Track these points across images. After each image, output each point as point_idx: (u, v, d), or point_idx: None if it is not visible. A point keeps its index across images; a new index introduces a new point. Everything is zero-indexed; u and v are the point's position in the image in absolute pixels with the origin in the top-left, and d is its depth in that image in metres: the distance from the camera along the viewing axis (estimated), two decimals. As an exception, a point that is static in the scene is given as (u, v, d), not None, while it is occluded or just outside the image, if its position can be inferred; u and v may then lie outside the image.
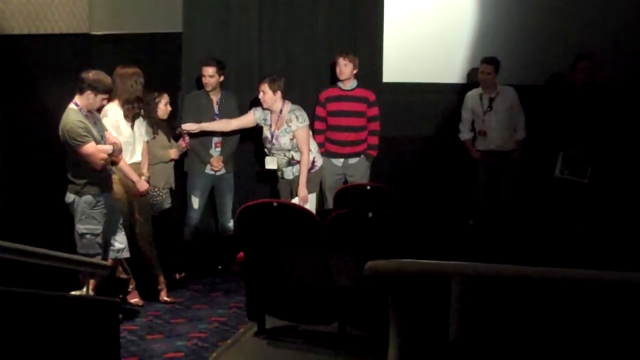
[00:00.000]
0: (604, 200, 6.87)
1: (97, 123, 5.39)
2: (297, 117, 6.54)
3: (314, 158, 6.69)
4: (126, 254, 5.66)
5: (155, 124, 6.26)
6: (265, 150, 6.79)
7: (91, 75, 5.22)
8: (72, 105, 5.23)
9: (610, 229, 6.67)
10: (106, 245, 5.46)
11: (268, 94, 6.52)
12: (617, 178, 6.96)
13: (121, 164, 5.68)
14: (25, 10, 5.39)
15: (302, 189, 6.55)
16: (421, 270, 2.65)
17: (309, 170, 6.63)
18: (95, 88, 5.20)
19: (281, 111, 6.58)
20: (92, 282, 5.20)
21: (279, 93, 6.53)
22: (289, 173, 6.69)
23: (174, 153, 6.49)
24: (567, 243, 6.35)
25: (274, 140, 6.63)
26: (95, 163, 5.23)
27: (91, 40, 6.14)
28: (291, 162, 6.67)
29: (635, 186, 6.96)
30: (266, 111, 6.66)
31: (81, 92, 5.21)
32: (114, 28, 6.44)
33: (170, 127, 6.57)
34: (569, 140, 6.88)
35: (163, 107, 6.35)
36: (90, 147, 5.17)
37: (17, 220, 5.35)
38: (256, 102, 7.32)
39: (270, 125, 6.64)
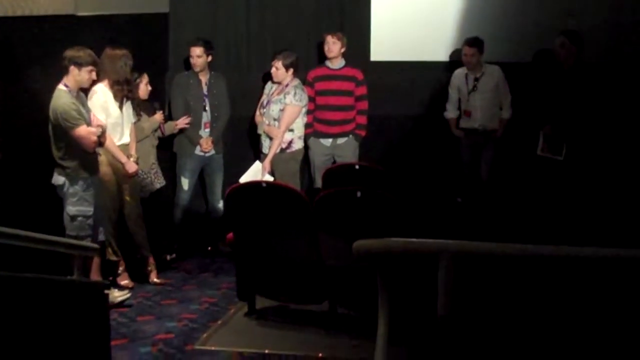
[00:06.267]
0: (579, 178, 6.84)
1: (85, 105, 5.37)
2: (295, 93, 6.58)
3: (292, 140, 6.67)
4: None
5: (137, 105, 6.23)
6: (257, 115, 6.82)
7: (71, 51, 5.21)
8: (61, 86, 5.22)
9: (584, 205, 6.64)
10: (95, 227, 5.46)
11: (281, 70, 6.61)
12: (592, 155, 6.92)
13: (110, 146, 5.67)
14: (10, -8, 5.34)
15: (267, 161, 6.58)
16: (409, 249, 2.65)
17: (284, 149, 6.65)
18: (77, 62, 5.19)
19: (287, 85, 6.62)
20: (95, 263, 5.40)
21: (291, 70, 6.62)
22: (266, 147, 6.71)
23: (159, 117, 6.48)
24: (545, 220, 6.35)
25: (267, 106, 6.68)
26: (88, 145, 5.24)
27: (77, 22, 6.08)
28: (270, 136, 6.67)
29: (612, 164, 6.94)
30: (276, 84, 6.74)
31: (66, 70, 5.20)
32: (100, 9, 6.39)
33: (151, 107, 6.54)
34: (546, 118, 6.87)
35: (144, 87, 6.35)
36: (83, 130, 5.18)
37: (2, 203, 5.32)
38: (246, 83, 7.32)
39: (272, 93, 6.70)
